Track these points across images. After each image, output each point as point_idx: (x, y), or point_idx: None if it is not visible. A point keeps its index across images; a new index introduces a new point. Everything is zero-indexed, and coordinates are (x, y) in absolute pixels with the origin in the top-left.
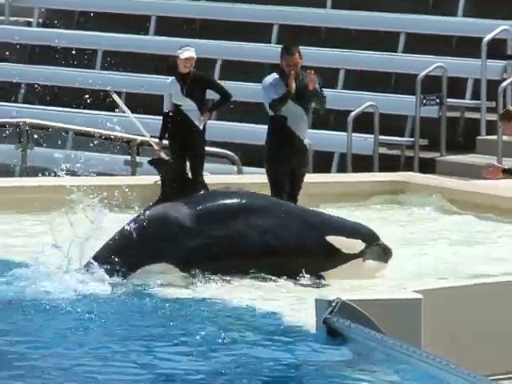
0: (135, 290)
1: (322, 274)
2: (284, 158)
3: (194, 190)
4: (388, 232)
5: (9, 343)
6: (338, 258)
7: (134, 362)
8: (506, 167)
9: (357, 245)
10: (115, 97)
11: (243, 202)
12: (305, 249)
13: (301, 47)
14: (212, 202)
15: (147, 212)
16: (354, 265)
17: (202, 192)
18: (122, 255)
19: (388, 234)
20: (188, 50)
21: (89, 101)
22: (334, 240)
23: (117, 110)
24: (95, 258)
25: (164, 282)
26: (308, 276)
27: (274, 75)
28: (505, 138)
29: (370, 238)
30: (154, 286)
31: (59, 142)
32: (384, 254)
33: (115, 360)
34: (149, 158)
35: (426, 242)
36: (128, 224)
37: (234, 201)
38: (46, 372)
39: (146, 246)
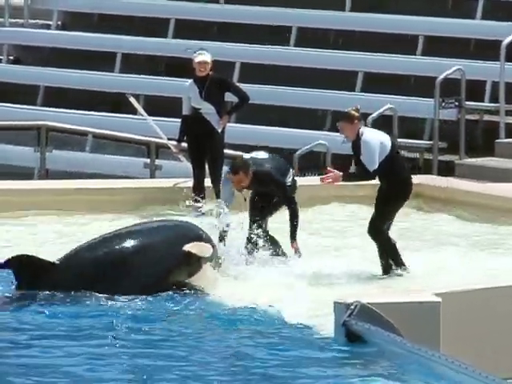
0: None
1: (187, 281)
2: None
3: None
4: (408, 234)
5: None
6: (197, 263)
7: None
8: (349, 171)
9: (209, 248)
10: (132, 100)
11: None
12: (168, 263)
13: (318, 50)
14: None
15: None
16: (207, 267)
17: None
18: None
19: (408, 236)
20: (202, 54)
21: (107, 104)
22: (192, 247)
23: (136, 113)
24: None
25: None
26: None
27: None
28: None
29: (210, 239)
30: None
31: (78, 145)
32: (216, 254)
33: None
34: (167, 162)
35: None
36: None
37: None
38: None
39: None
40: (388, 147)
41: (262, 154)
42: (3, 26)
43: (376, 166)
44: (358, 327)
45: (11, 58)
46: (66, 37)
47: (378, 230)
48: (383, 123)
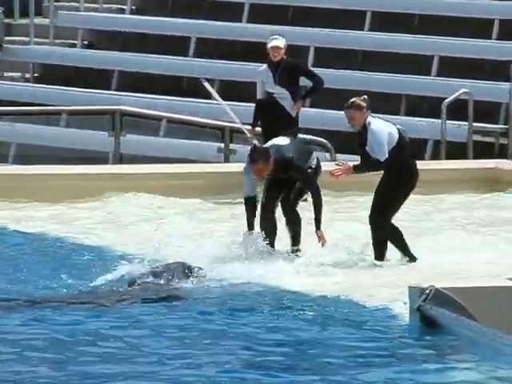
0: None
1: None
2: None
3: None
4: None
5: None
6: None
7: None
8: (357, 163)
9: None
10: (206, 85)
11: None
12: None
13: (394, 33)
14: None
15: None
16: None
17: None
18: None
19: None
20: (276, 39)
21: (181, 88)
22: None
23: (210, 98)
24: None
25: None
26: None
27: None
28: None
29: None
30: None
31: (152, 130)
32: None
33: None
34: (241, 146)
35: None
36: None
37: None
38: None
39: None
40: (395, 137)
41: (283, 140)
42: (78, 10)
43: (386, 156)
44: (433, 312)
45: (85, 42)
46: (140, 21)
47: (386, 221)
48: (458, 107)
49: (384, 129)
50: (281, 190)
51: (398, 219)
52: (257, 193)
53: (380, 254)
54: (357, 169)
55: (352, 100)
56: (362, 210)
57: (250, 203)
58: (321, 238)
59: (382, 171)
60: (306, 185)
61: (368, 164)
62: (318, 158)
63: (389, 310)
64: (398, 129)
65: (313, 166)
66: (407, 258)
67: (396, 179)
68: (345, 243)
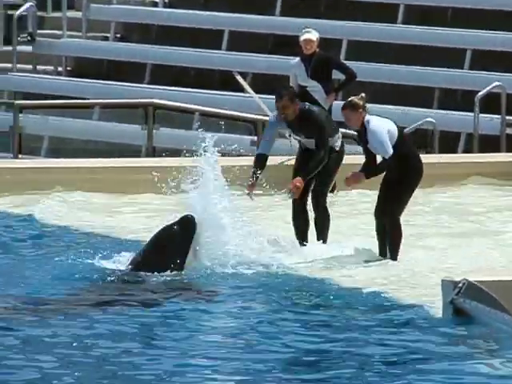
0: None
1: None
2: None
3: None
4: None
5: None
6: None
7: None
8: (367, 170)
9: None
10: (239, 78)
11: None
12: None
13: (426, 27)
14: None
15: None
16: None
17: None
18: None
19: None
20: (308, 33)
21: (215, 81)
22: None
23: (243, 91)
24: None
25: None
26: None
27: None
28: None
29: None
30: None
31: (185, 123)
32: None
33: None
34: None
35: None
36: None
37: None
38: None
39: None
40: (395, 134)
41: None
42: (110, 3)
43: (391, 151)
44: (466, 305)
45: (118, 35)
46: (172, 14)
47: (396, 218)
48: (492, 100)
49: (383, 126)
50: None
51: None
52: (269, 153)
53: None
54: (368, 175)
55: (349, 99)
56: None
57: (261, 160)
58: (293, 188)
59: (391, 166)
60: (318, 143)
61: (377, 167)
62: (343, 142)
63: (422, 303)
64: (398, 127)
65: (336, 148)
66: (388, 257)
67: (402, 176)
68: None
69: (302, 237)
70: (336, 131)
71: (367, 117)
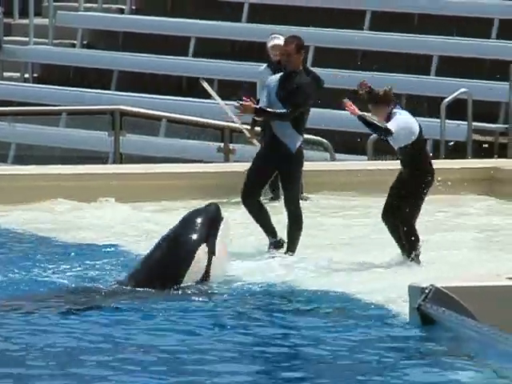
0: None
1: None
2: None
3: None
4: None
5: None
6: None
7: None
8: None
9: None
10: (205, 84)
11: None
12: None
13: (392, 33)
14: None
15: None
16: None
17: None
18: None
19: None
20: (276, 38)
21: (181, 88)
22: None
23: (210, 98)
24: None
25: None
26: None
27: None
28: None
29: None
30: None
31: (152, 130)
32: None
33: None
34: (241, 146)
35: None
36: None
37: None
38: None
39: None
40: (417, 130)
41: None
42: (77, 10)
43: (394, 131)
44: (433, 311)
45: (85, 42)
46: (139, 21)
47: (412, 223)
48: (457, 107)
49: (409, 118)
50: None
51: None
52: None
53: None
54: (364, 120)
55: (376, 91)
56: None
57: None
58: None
59: (404, 170)
60: (293, 106)
61: (378, 124)
62: (302, 145)
63: (389, 308)
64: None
65: (293, 151)
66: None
67: (418, 179)
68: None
69: (270, 232)
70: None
71: (396, 110)
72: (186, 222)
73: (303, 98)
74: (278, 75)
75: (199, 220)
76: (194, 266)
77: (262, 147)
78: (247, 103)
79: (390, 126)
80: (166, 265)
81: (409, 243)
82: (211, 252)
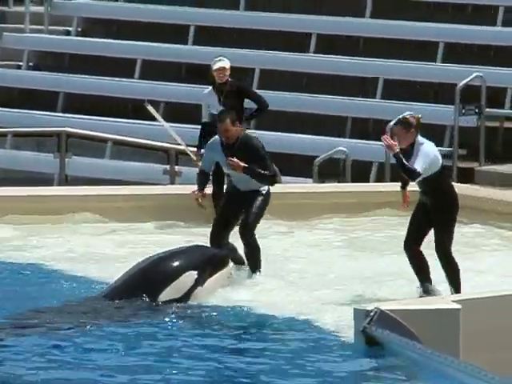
0: None
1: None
2: None
3: None
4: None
5: None
6: None
7: None
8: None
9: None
10: (150, 108)
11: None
12: None
13: (337, 56)
14: None
15: None
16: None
17: None
18: None
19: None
20: (221, 61)
21: (127, 110)
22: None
23: (155, 120)
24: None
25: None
26: None
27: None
28: None
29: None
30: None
31: (98, 152)
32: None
33: None
34: (187, 168)
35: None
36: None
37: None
38: None
39: None
40: (440, 161)
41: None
42: (24, 32)
43: (422, 170)
44: (377, 333)
45: (30, 64)
46: (85, 43)
47: (449, 251)
48: None
49: (433, 149)
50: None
51: None
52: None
53: (457, 285)
54: (397, 155)
55: (403, 117)
56: None
57: (203, 175)
58: (235, 165)
59: (428, 199)
60: (264, 168)
61: (406, 164)
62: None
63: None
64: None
65: (263, 192)
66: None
67: (445, 206)
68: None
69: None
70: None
71: (419, 138)
72: (188, 248)
73: (263, 154)
74: (214, 142)
75: (202, 252)
76: (174, 285)
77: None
78: (235, 161)
79: (418, 166)
80: (149, 276)
81: (449, 273)
82: (197, 283)
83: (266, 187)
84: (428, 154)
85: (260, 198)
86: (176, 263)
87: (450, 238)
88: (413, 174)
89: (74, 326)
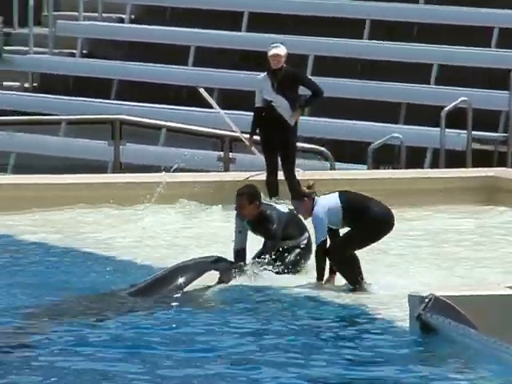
0: None
1: None
2: None
3: None
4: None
5: None
6: None
7: None
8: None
9: None
10: (204, 93)
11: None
12: None
13: (392, 42)
14: None
15: None
16: None
17: None
18: None
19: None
20: (277, 47)
21: (181, 97)
22: None
23: (210, 107)
24: None
25: None
26: None
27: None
28: None
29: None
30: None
31: (152, 139)
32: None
33: None
34: (240, 154)
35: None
36: None
37: None
38: None
39: None
40: (338, 208)
41: (283, 207)
42: (77, 20)
43: (323, 238)
44: (433, 320)
45: (84, 52)
46: (139, 30)
47: (343, 256)
48: (458, 116)
49: (323, 209)
50: None
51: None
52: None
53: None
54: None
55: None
56: None
57: (240, 255)
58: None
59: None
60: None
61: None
62: (309, 238)
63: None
64: (345, 195)
65: (302, 246)
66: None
67: (362, 231)
68: None
69: None
70: (303, 231)
71: (316, 200)
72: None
73: (274, 239)
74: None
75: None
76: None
77: None
78: None
79: (320, 235)
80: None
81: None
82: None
83: (306, 241)
84: (321, 218)
85: (298, 252)
86: (198, 264)
87: (353, 249)
88: (318, 246)
89: (99, 317)
